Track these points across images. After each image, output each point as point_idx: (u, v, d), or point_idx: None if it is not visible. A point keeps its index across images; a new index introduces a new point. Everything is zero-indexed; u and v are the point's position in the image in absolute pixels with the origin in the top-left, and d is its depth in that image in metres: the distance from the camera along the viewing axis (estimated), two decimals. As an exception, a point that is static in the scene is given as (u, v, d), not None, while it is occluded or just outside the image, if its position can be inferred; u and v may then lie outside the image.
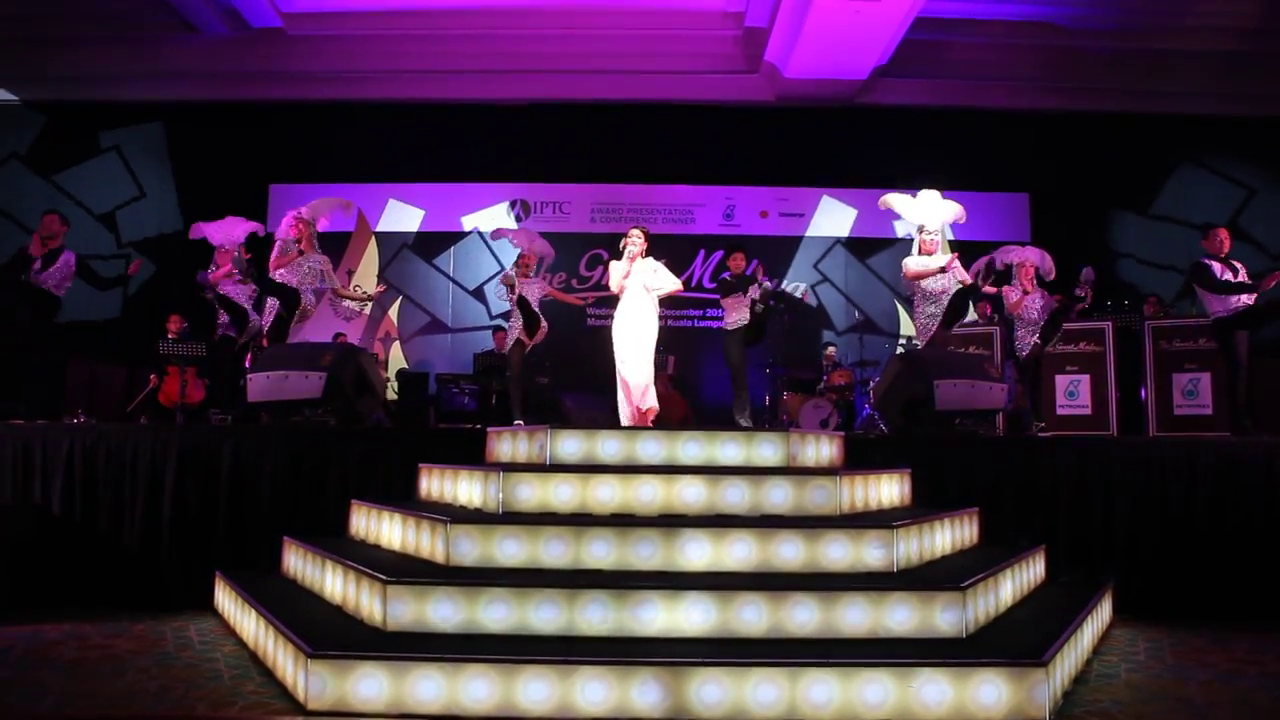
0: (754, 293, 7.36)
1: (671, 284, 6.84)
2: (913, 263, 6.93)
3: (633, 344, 6.60)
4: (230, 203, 8.85)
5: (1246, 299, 6.87)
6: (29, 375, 7.14)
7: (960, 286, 6.86)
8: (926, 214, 7.08)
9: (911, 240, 7.18)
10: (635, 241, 6.66)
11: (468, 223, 12.02)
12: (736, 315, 7.36)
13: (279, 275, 7.09)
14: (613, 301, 6.89)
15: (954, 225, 7.43)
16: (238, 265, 7.57)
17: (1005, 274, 7.60)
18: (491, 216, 11.96)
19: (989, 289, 7.67)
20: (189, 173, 11.93)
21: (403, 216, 12.04)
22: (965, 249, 11.28)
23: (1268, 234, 11.50)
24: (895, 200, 7.30)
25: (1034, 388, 7.46)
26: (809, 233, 11.98)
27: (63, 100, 11.78)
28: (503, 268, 11.08)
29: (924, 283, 6.88)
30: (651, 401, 6.59)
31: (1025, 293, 7.25)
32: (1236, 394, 6.89)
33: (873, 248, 11.95)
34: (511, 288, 7.66)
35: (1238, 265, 7.03)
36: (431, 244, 12.04)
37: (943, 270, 6.76)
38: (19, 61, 11.22)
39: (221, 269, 7.52)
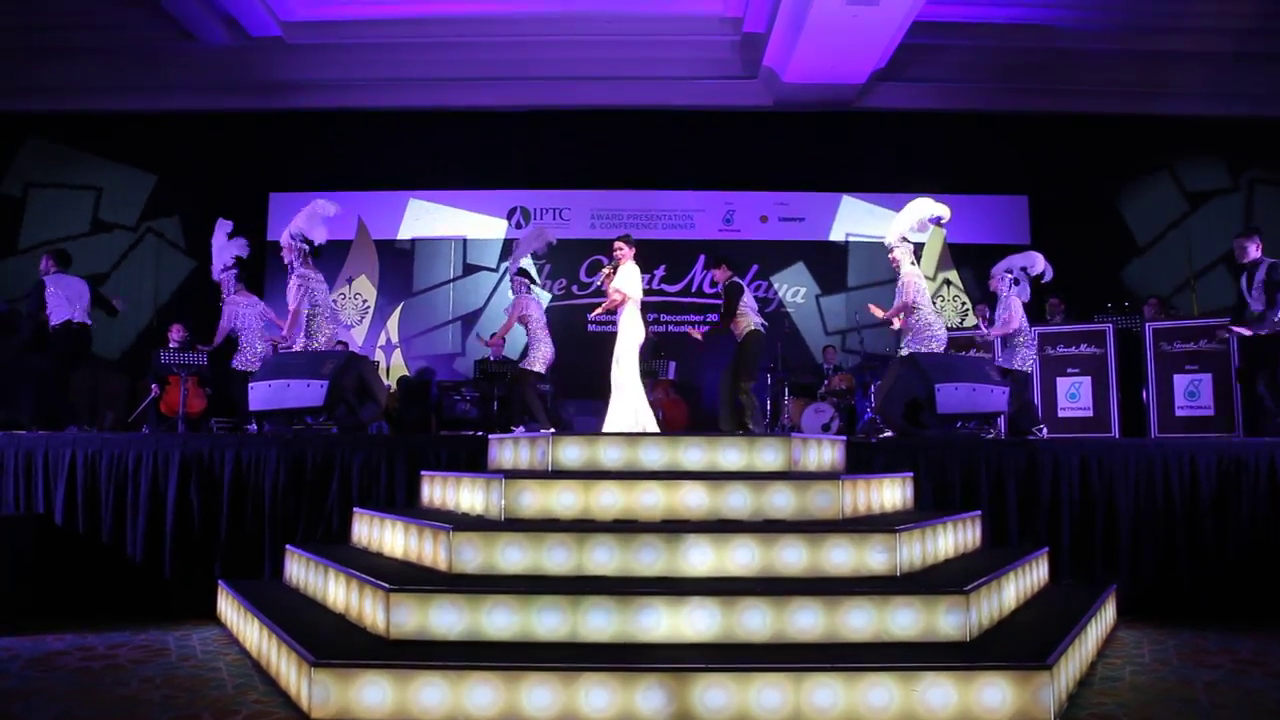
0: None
1: (613, 289, 6.34)
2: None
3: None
4: (231, 212, 8.88)
5: None
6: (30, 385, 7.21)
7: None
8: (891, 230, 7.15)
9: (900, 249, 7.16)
10: (616, 252, 6.48)
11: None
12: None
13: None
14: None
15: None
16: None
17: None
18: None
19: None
20: (183, 180, 11.97)
21: (399, 224, 12.07)
22: (965, 251, 11.48)
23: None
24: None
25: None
26: (810, 238, 12.02)
27: (56, 111, 11.81)
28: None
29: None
30: (612, 423, 6.16)
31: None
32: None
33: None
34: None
35: None
36: (422, 251, 12.07)
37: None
38: (14, 73, 11.24)
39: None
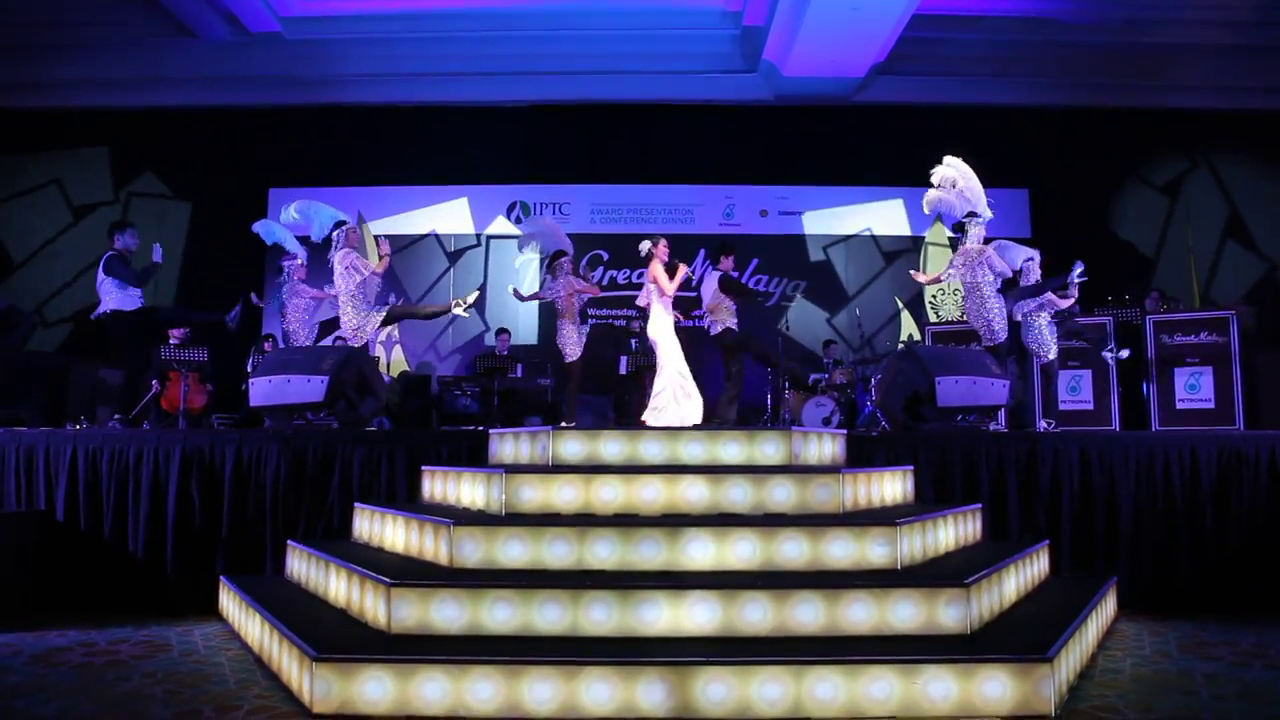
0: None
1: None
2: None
3: None
4: (231, 208, 8.88)
5: None
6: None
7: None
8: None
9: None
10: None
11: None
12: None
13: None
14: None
15: (949, 220, 7.42)
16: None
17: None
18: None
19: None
20: (185, 178, 11.94)
21: (394, 222, 12.06)
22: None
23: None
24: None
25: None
26: (810, 232, 12.01)
27: (58, 107, 11.79)
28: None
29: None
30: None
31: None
32: None
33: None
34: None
35: None
36: (422, 247, 12.07)
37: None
38: (13, 69, 11.22)
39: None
